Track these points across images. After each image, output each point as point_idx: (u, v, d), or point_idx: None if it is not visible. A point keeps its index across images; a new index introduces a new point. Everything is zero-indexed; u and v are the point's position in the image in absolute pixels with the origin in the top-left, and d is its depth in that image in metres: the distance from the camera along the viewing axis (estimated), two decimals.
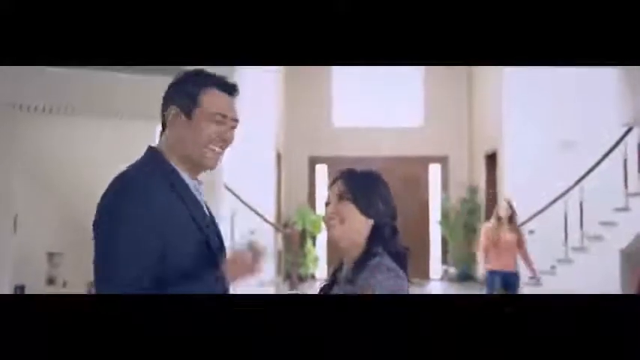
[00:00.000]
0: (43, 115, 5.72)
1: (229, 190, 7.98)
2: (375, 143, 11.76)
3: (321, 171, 12.35)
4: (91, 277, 1.86)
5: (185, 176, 1.94)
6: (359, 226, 2.08)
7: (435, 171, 12.45)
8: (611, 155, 7.32)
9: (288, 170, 12.04)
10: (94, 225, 1.86)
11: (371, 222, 2.09)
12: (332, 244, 2.13)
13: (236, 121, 1.99)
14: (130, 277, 1.76)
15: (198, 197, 1.97)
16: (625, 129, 6.78)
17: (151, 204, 1.81)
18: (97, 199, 1.87)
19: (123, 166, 1.94)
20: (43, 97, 5.52)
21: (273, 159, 10.66)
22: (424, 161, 12.27)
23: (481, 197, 11.54)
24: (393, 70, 10.91)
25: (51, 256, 6.19)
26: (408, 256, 2.12)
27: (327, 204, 2.13)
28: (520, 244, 7.07)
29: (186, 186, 1.93)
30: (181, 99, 1.92)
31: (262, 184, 9.81)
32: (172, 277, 1.83)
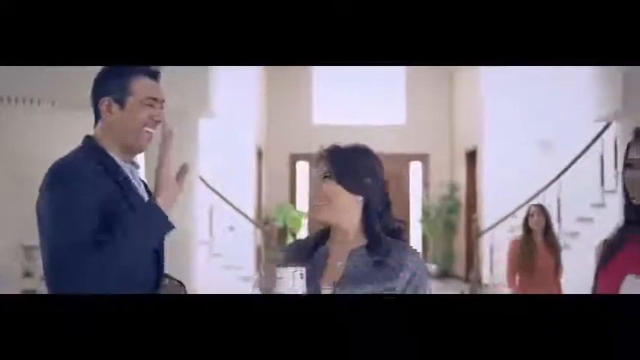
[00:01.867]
0: (17, 106, 5.68)
1: (209, 186, 7.96)
2: (356, 141, 11.70)
3: (302, 168, 12.35)
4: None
5: (119, 160, 2.07)
6: (348, 205, 1.99)
7: (416, 169, 12.48)
8: (588, 152, 7.37)
9: (269, 167, 12.03)
10: (38, 218, 1.96)
11: (360, 199, 1.99)
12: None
13: (163, 101, 2.13)
14: (74, 258, 1.85)
15: (133, 180, 2.09)
16: (602, 126, 6.83)
17: (87, 188, 1.92)
18: None
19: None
20: (13, 89, 5.49)
21: (254, 156, 10.64)
22: (405, 159, 12.30)
23: (461, 195, 11.59)
24: (374, 69, 10.92)
25: (27, 249, 6.15)
26: (405, 231, 2.04)
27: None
28: (557, 270, 5.19)
29: (119, 169, 2.05)
30: (113, 90, 2.07)
31: (242, 181, 9.80)
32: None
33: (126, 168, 2.09)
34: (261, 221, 10.25)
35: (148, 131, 2.08)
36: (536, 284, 5.12)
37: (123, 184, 2.03)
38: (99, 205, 1.91)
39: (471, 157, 11.06)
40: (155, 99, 2.09)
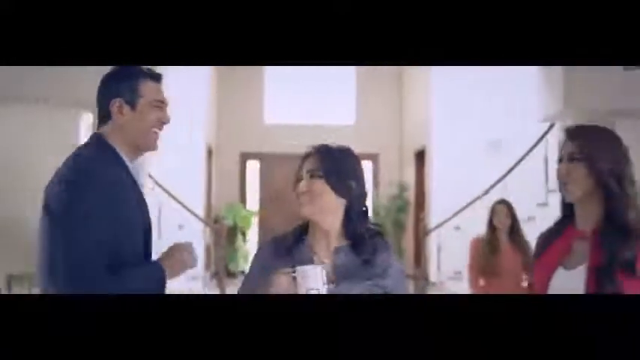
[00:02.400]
0: None
1: (158, 184, 7.90)
2: (306, 140, 11.70)
3: (253, 167, 12.33)
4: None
5: (127, 160, 2.18)
6: (331, 205, 2.02)
7: (365, 168, 12.56)
8: (534, 152, 7.52)
9: (219, 166, 11.98)
10: (49, 214, 2.00)
11: (343, 202, 2.03)
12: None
13: (167, 104, 2.26)
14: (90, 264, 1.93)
15: (138, 179, 2.24)
16: (547, 126, 6.98)
17: (106, 189, 2.00)
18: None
19: (56, 155, 2.07)
20: None
21: (204, 154, 10.59)
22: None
23: (410, 194, 11.71)
24: (325, 69, 10.96)
25: None
26: (382, 233, 2.10)
27: (298, 180, 2.05)
28: (526, 267, 4.51)
29: (128, 169, 2.17)
30: (123, 92, 2.16)
31: (192, 179, 9.75)
32: (124, 259, 2.02)
33: (131, 167, 2.20)
34: (211, 220, 10.21)
35: (155, 132, 2.21)
36: (503, 288, 4.61)
37: (134, 185, 2.17)
38: (117, 213, 2.01)
39: (420, 156, 11.19)
40: (162, 101, 2.22)
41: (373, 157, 12.46)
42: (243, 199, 12.12)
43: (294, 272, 1.89)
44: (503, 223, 4.87)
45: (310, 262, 1.99)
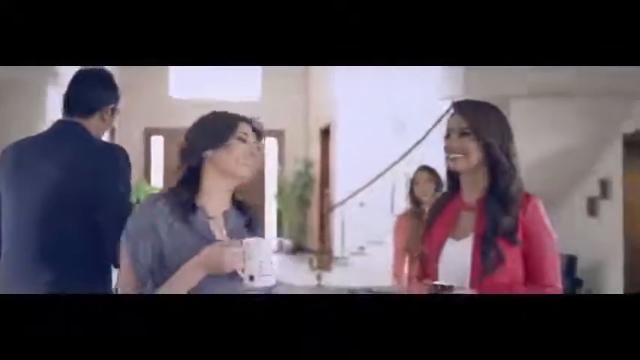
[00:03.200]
0: None
1: None
2: None
3: (157, 142, 12.16)
4: None
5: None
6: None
7: (271, 145, 12.59)
8: (437, 130, 7.72)
9: (123, 141, 11.73)
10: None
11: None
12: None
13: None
14: None
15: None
16: (447, 105, 7.17)
17: None
18: None
19: None
20: None
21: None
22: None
23: (316, 171, 11.83)
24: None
25: None
26: None
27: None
28: None
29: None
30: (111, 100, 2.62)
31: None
32: None
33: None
34: None
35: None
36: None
37: None
38: None
39: (325, 133, 11.30)
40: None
41: (278, 134, 12.49)
42: (147, 174, 11.94)
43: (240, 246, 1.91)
44: (427, 193, 4.15)
45: (206, 224, 2.01)
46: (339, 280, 8.15)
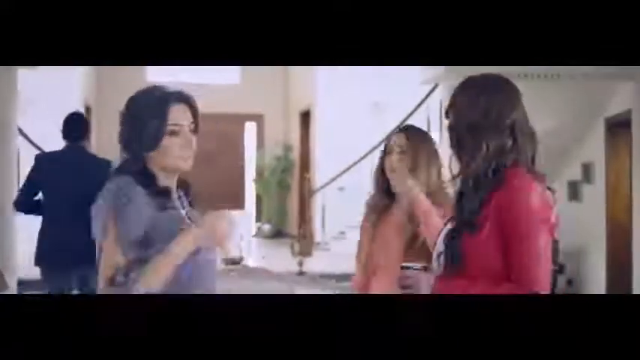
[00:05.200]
0: None
1: (33, 144, 7.57)
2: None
3: None
4: None
5: None
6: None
7: (250, 129, 12.48)
8: (418, 115, 7.67)
9: (99, 125, 11.57)
10: None
11: None
12: None
13: None
14: None
15: None
16: (429, 89, 7.12)
17: None
18: None
19: None
20: None
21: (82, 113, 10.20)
22: (240, 119, 12.25)
23: (295, 155, 11.74)
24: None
25: None
26: None
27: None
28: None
29: None
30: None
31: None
32: None
33: None
34: None
35: None
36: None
37: None
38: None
39: (305, 117, 11.21)
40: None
41: (258, 118, 12.38)
42: None
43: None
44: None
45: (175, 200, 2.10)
46: (321, 265, 8.08)
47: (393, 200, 2.72)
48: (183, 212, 2.11)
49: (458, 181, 2.03)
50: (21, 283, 5.87)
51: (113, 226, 1.95)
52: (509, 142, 1.97)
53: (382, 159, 2.74)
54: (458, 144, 1.99)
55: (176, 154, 2.06)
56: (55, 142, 8.29)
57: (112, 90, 11.65)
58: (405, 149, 2.65)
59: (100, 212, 1.98)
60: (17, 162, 7.23)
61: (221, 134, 11.57)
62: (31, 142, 7.60)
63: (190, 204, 2.18)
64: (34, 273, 5.44)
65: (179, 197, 2.14)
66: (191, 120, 2.09)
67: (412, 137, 2.70)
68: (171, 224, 2.00)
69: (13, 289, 5.53)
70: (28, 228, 6.91)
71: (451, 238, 1.95)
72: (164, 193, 2.06)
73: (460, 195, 2.00)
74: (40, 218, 4.38)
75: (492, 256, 1.88)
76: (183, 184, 2.18)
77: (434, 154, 2.72)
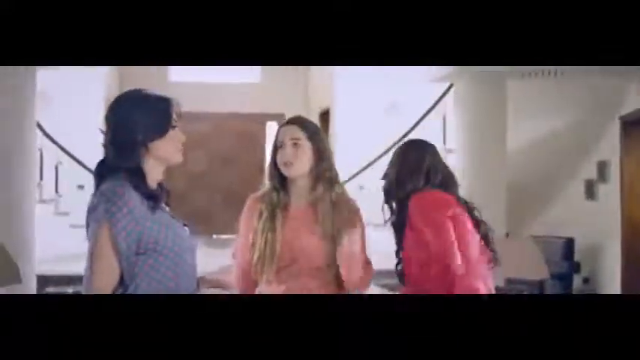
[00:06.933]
0: None
1: (54, 142, 7.70)
2: (212, 99, 11.67)
3: None
4: None
5: None
6: None
7: (272, 128, 12.55)
8: (434, 114, 7.69)
9: None
10: None
11: None
12: None
13: None
14: None
15: None
16: (445, 86, 7.13)
17: None
18: None
19: None
20: None
21: (105, 112, 10.32)
22: (261, 118, 12.33)
23: None
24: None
25: None
26: None
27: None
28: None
29: None
30: None
31: (91, 139, 9.49)
32: None
33: None
34: None
35: None
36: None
37: None
38: None
39: (325, 117, 11.25)
40: None
41: (279, 117, 12.44)
42: None
43: None
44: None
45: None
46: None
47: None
48: (168, 213, 2.11)
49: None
50: (41, 279, 5.92)
51: (108, 231, 1.93)
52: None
53: (273, 154, 2.68)
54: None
55: (176, 145, 2.12)
56: (76, 140, 8.47)
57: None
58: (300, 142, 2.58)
59: (95, 216, 1.96)
60: (40, 159, 7.39)
61: (242, 133, 11.66)
62: (52, 140, 7.72)
63: (167, 203, 2.15)
64: (55, 269, 5.54)
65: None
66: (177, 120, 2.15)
67: (306, 129, 2.64)
68: (162, 227, 2.00)
69: (32, 285, 5.61)
70: (47, 225, 7.06)
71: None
72: (155, 196, 2.04)
73: None
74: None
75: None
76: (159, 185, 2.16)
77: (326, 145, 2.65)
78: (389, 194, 2.97)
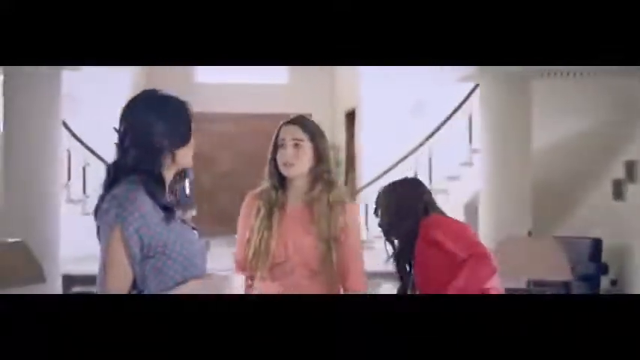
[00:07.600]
0: None
1: (82, 143, 7.79)
2: (238, 99, 11.72)
3: None
4: None
5: None
6: None
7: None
8: (460, 113, 7.66)
9: None
10: None
11: None
12: None
13: None
14: None
15: None
16: (471, 86, 7.10)
17: None
18: None
19: None
20: None
21: None
22: (287, 119, 12.33)
23: (341, 155, 11.78)
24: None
25: None
26: None
27: None
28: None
29: None
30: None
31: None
32: None
33: None
34: None
35: None
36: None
37: None
38: None
39: (350, 117, 11.25)
40: None
41: None
42: None
43: None
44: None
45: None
46: (366, 265, 8.07)
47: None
48: (186, 224, 2.06)
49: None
50: (67, 278, 5.99)
51: (120, 234, 1.90)
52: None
53: (274, 152, 2.68)
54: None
55: (193, 150, 2.12)
56: (103, 140, 8.55)
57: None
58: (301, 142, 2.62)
59: (107, 220, 1.94)
60: (68, 161, 7.47)
61: (268, 134, 11.64)
62: (79, 140, 7.81)
63: (190, 189, 2.17)
64: (82, 269, 5.58)
65: (177, 182, 2.11)
66: None
67: (308, 130, 2.69)
68: (171, 231, 1.96)
69: (57, 285, 5.66)
70: (75, 225, 7.15)
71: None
72: (170, 209, 1.99)
73: None
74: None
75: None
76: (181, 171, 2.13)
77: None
78: (390, 231, 3.14)
